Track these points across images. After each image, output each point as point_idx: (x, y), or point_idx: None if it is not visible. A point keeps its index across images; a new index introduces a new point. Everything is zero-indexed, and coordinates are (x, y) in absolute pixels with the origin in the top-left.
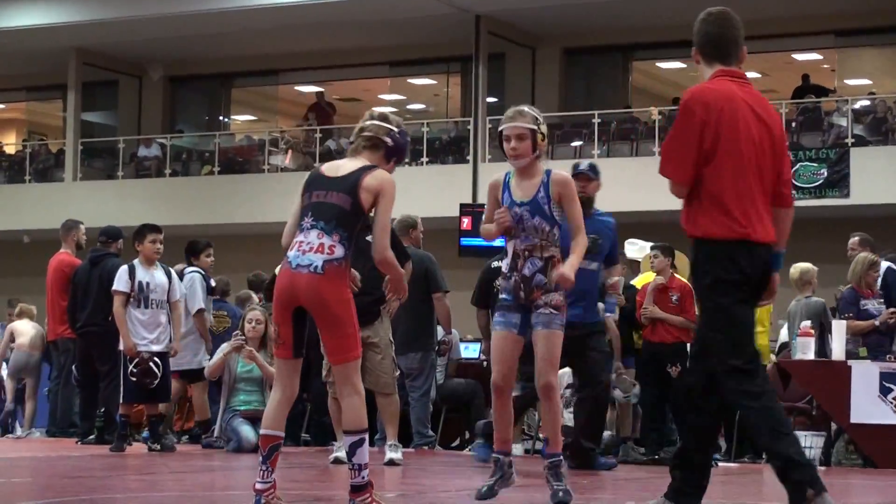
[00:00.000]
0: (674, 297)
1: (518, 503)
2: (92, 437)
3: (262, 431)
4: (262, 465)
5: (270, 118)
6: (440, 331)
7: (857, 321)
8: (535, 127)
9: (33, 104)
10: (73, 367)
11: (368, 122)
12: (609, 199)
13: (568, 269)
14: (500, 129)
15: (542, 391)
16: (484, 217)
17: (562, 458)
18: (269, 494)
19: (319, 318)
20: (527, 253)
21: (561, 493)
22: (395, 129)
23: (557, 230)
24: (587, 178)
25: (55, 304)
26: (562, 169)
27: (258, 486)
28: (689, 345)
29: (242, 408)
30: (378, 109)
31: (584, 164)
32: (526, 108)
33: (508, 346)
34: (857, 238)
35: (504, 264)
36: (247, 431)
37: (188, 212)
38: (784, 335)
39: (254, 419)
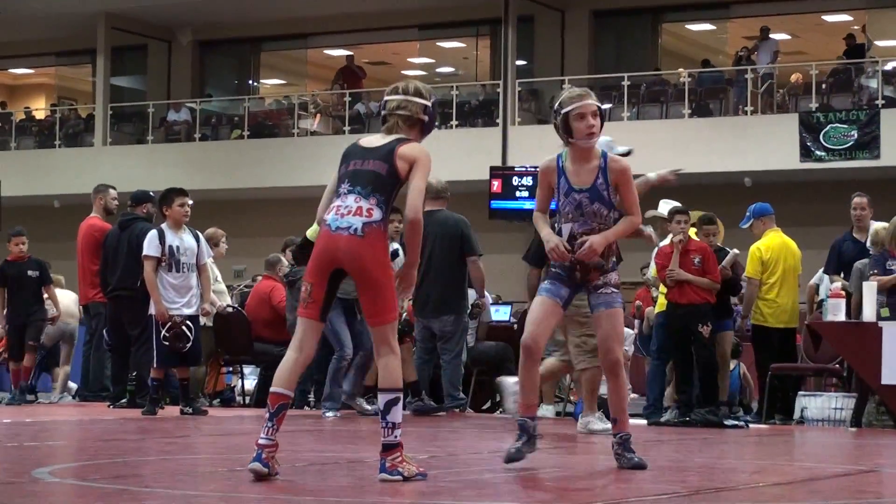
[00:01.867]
0: (696, 259)
1: (551, 465)
2: (124, 400)
3: (272, 389)
4: (269, 422)
5: (299, 82)
6: (472, 294)
7: (883, 276)
8: (602, 106)
9: (62, 69)
10: (105, 331)
11: (402, 99)
12: (639, 162)
13: (599, 239)
14: (568, 108)
15: (612, 367)
16: (537, 202)
17: (630, 435)
18: (271, 451)
19: (359, 280)
20: (584, 237)
21: (637, 459)
22: (430, 104)
23: (615, 213)
24: None
25: (86, 269)
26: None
27: (261, 440)
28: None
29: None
30: (411, 83)
31: None
32: (587, 89)
33: (548, 313)
34: (865, 199)
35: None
36: None
37: (218, 176)
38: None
39: None
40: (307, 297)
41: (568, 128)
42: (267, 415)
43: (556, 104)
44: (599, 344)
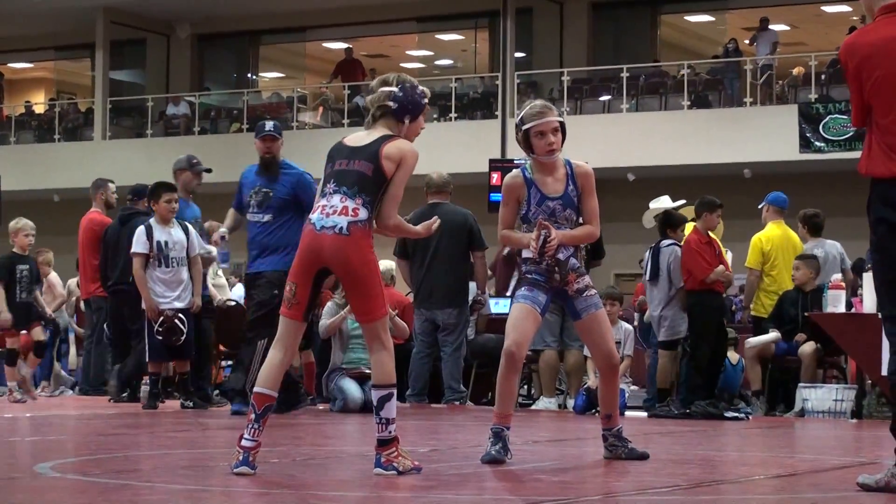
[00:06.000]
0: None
1: (551, 458)
2: (125, 394)
3: (258, 390)
4: (256, 423)
5: (298, 75)
6: (471, 287)
7: None
8: (563, 120)
9: (62, 63)
10: (105, 325)
11: (370, 96)
12: (638, 153)
13: (560, 234)
14: (528, 125)
15: (614, 368)
16: (502, 220)
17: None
18: (255, 453)
19: (345, 280)
20: (547, 230)
21: (639, 450)
22: (395, 89)
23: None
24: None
25: (86, 263)
26: (590, 122)
27: (247, 443)
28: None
29: (347, 366)
30: (379, 77)
31: (269, 124)
32: (548, 103)
33: (529, 321)
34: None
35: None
36: (353, 391)
37: (217, 169)
38: None
39: (360, 379)
40: (291, 298)
41: (529, 143)
42: (252, 416)
43: (518, 118)
44: (598, 347)
